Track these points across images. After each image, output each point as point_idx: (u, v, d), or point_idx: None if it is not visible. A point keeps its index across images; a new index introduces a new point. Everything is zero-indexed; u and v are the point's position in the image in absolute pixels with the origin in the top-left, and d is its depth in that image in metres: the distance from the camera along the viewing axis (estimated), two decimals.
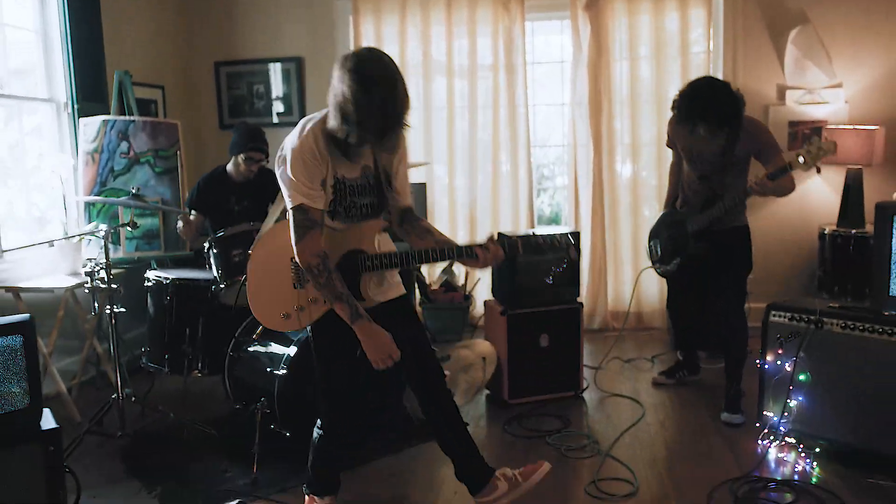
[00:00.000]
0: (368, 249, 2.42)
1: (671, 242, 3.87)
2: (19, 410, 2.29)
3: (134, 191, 3.58)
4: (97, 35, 4.58)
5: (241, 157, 3.93)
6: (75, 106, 4.41)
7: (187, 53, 5.67)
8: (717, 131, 3.37)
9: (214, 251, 3.42)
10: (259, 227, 3.46)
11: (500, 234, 2.51)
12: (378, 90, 2.12)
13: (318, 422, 2.63)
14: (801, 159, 3.28)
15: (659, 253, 3.97)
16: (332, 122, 2.21)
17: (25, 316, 2.33)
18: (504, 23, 5.26)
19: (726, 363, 3.76)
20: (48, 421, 2.39)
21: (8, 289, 3.81)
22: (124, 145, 4.43)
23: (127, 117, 4.51)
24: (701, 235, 3.67)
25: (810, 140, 3.33)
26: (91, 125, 4.35)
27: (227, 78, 5.71)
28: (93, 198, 3.86)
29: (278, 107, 5.68)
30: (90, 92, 4.50)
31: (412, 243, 2.50)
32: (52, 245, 3.65)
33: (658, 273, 4.08)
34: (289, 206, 2.32)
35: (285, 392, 3.06)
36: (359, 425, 2.64)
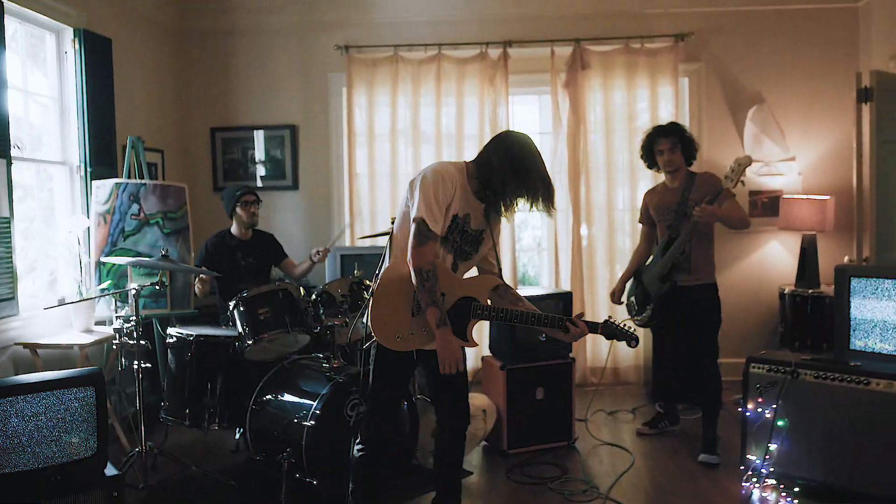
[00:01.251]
0: (482, 300, 2.78)
1: (642, 291, 4.23)
2: (88, 457, 2.46)
3: (163, 252, 3.79)
4: (109, 103, 4.82)
5: (238, 209, 4.30)
6: (88, 169, 4.62)
7: (185, 119, 5.93)
8: (674, 139, 4.05)
9: (241, 309, 3.63)
10: (280, 283, 3.73)
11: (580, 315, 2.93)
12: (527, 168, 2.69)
13: (360, 441, 2.86)
14: (728, 179, 3.82)
15: (636, 306, 4.31)
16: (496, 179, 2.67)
17: (95, 368, 2.52)
18: (490, 96, 5.66)
19: (704, 411, 4.10)
20: (110, 468, 2.56)
21: (26, 345, 3.94)
22: (135, 207, 4.63)
23: (138, 180, 4.72)
24: (666, 278, 4.03)
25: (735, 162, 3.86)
26: (103, 188, 4.55)
27: (223, 143, 5.97)
28: (130, 259, 4.04)
29: (261, 170, 5.95)
30: (101, 156, 4.72)
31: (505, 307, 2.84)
32: (83, 301, 3.79)
33: (637, 324, 4.34)
34: (415, 214, 2.64)
35: (312, 442, 3.26)
36: (393, 443, 2.94)
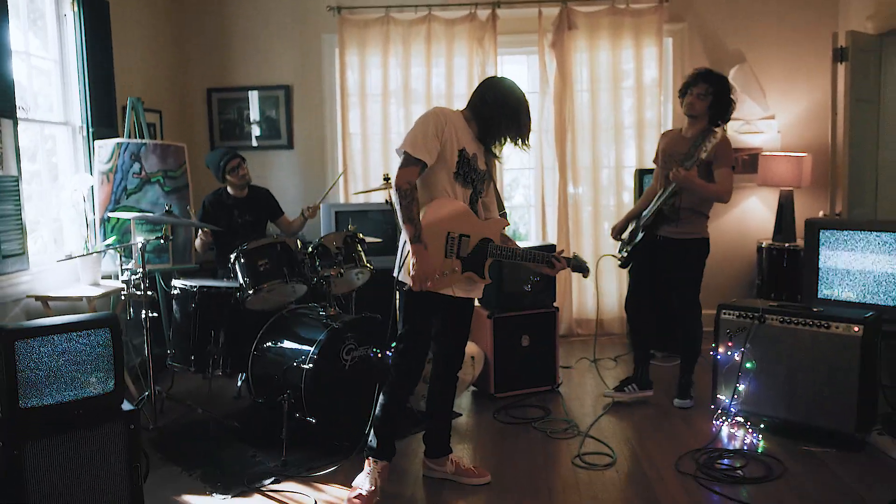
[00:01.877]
0: (495, 241, 3.13)
1: (630, 233, 4.32)
2: (106, 394, 2.68)
3: (167, 208, 3.98)
4: (109, 64, 4.95)
5: (228, 176, 4.52)
6: (90, 129, 4.77)
7: (182, 80, 6.07)
8: (708, 87, 4.00)
9: (242, 261, 3.84)
10: (280, 238, 3.95)
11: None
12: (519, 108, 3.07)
13: (387, 382, 3.14)
14: (703, 150, 3.85)
15: (626, 244, 4.35)
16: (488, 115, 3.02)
17: (110, 312, 2.72)
18: (478, 56, 5.81)
19: (682, 358, 4.31)
20: (126, 404, 2.79)
21: (38, 298, 4.14)
22: (136, 166, 4.80)
23: (138, 140, 4.89)
24: (647, 227, 4.12)
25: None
26: (105, 147, 4.72)
27: (219, 103, 6.11)
28: (136, 214, 4.26)
29: (256, 130, 6.11)
30: (102, 116, 4.87)
31: None
32: (91, 255, 3.99)
33: (618, 263, 4.40)
34: (399, 146, 2.95)
35: (311, 384, 3.49)
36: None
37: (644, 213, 4.22)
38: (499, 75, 3.26)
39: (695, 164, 3.88)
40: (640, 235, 4.18)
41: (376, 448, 3.16)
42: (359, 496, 3.06)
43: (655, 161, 4.40)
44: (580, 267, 3.23)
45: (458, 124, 3.04)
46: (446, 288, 3.03)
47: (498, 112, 3.02)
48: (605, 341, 5.76)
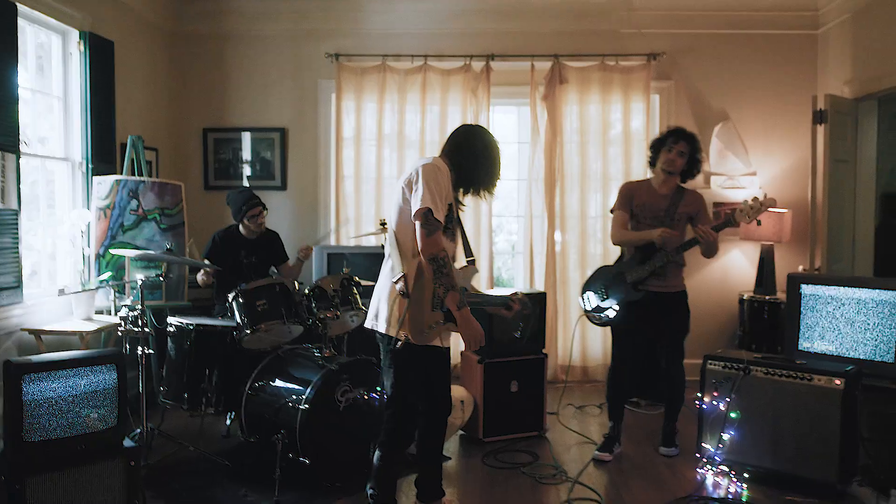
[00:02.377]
0: (469, 289, 3.19)
1: (609, 291, 4.28)
2: (109, 429, 2.71)
3: (168, 247, 4.04)
4: (110, 102, 5.05)
5: (246, 221, 4.51)
6: (89, 165, 4.84)
7: (179, 120, 6.16)
8: (690, 147, 4.14)
9: (240, 301, 3.89)
10: (276, 277, 4.01)
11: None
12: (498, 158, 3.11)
13: (379, 442, 3.17)
14: (743, 213, 3.95)
15: (592, 303, 4.36)
16: (466, 164, 3.04)
17: (116, 349, 2.77)
18: (472, 105, 5.97)
19: (667, 407, 4.40)
20: (128, 440, 2.82)
21: (31, 331, 4.16)
22: (134, 203, 4.86)
23: (137, 177, 4.95)
24: (638, 286, 4.16)
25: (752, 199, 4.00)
26: (104, 183, 4.78)
27: (215, 143, 6.21)
28: (132, 252, 4.29)
29: (250, 171, 6.19)
30: (102, 153, 4.94)
31: None
32: (84, 291, 4.02)
33: (595, 322, 4.40)
34: (418, 205, 2.83)
35: (306, 424, 3.53)
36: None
37: (633, 271, 4.17)
38: (470, 123, 3.27)
39: (723, 226, 4.01)
40: (636, 294, 4.15)
41: (378, 497, 3.19)
42: None
43: (620, 207, 4.32)
44: (526, 304, 3.31)
45: (448, 175, 3.01)
46: (435, 339, 3.05)
47: (479, 162, 3.02)
48: (590, 388, 5.84)
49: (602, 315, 4.29)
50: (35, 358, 2.68)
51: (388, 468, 3.19)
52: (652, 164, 4.29)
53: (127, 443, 2.79)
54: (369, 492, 3.20)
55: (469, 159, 3.02)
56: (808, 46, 5.94)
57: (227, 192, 4.84)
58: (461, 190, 3.11)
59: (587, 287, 4.42)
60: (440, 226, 2.86)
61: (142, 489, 2.84)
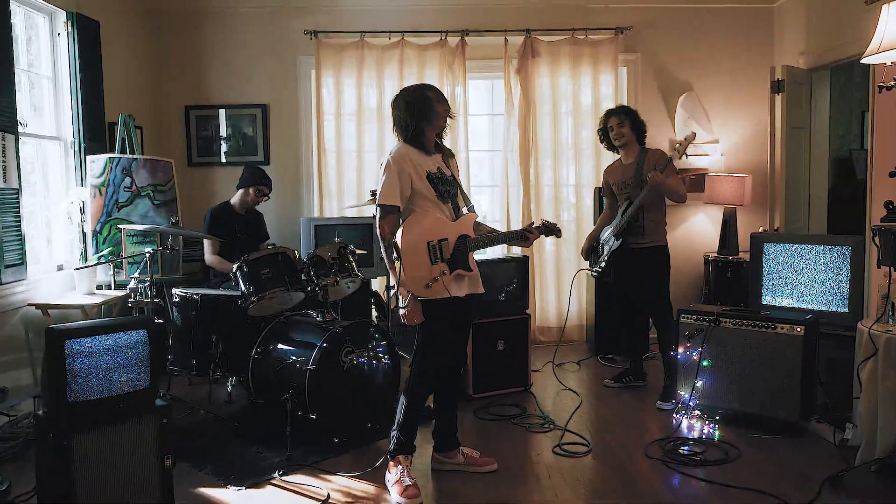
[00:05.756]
0: (471, 235, 3.41)
1: (599, 247, 4.82)
2: (143, 389, 2.92)
3: (173, 221, 4.22)
4: (98, 82, 5.15)
5: (251, 189, 4.76)
6: (81, 144, 4.95)
7: (162, 98, 6.25)
8: (621, 116, 4.67)
9: (245, 270, 4.09)
10: (279, 247, 4.23)
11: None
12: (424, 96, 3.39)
13: (408, 383, 3.43)
14: (676, 151, 4.54)
15: (595, 259, 4.86)
16: (406, 122, 3.34)
17: (147, 315, 2.97)
18: (448, 79, 6.18)
19: (665, 362, 4.61)
20: (159, 399, 3.03)
21: (38, 306, 4.31)
22: (127, 180, 5.00)
23: (129, 155, 5.08)
24: (619, 235, 4.62)
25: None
26: (98, 162, 4.90)
27: (197, 120, 6.32)
28: (140, 226, 4.47)
29: (233, 146, 6.34)
30: (93, 132, 5.05)
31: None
32: (86, 267, 4.18)
33: (592, 275, 5.05)
34: (378, 200, 3.30)
35: (313, 384, 3.77)
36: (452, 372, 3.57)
37: (613, 225, 4.69)
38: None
39: (665, 167, 4.47)
40: (618, 242, 4.61)
41: (404, 444, 3.42)
42: (407, 489, 3.26)
43: (604, 195, 4.98)
44: (551, 230, 3.55)
45: (411, 155, 3.33)
46: (443, 292, 3.32)
47: (411, 114, 3.31)
48: (567, 348, 6.16)
49: (596, 267, 4.79)
50: (75, 324, 2.87)
51: (413, 415, 3.40)
52: (612, 149, 4.85)
53: (158, 402, 3.00)
54: (395, 442, 3.41)
55: (404, 119, 3.34)
56: (765, 19, 6.27)
57: (246, 163, 5.28)
58: (428, 138, 3.39)
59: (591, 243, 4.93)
60: (391, 210, 3.29)
61: (173, 443, 3.05)
